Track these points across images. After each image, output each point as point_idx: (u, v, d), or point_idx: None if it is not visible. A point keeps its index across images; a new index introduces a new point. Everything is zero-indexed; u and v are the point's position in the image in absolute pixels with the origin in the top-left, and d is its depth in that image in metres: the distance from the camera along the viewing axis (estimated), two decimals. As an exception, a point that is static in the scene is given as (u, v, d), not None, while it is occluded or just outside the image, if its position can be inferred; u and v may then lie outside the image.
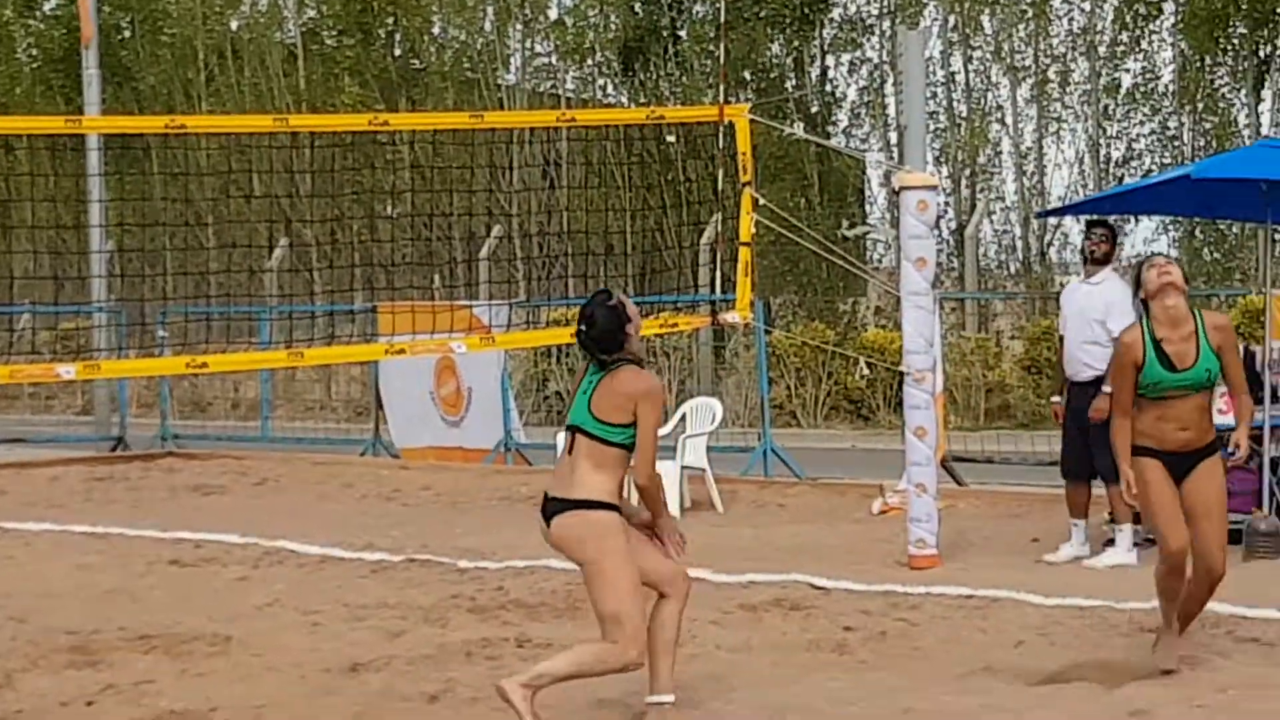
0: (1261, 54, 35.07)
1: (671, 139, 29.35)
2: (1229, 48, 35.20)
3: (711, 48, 38.76)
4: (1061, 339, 15.81)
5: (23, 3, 51.29)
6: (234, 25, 46.39)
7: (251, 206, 38.64)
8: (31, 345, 33.90)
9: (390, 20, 44.21)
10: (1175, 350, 10.29)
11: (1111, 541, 15.46)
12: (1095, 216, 16.54)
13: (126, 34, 45.97)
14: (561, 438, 19.62)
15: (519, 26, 43.89)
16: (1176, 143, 36.07)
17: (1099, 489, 15.64)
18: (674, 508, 18.91)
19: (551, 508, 9.27)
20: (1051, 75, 37.85)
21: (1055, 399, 16.10)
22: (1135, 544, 15.33)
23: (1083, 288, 15.63)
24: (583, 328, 9.40)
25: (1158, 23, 36.78)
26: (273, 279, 36.33)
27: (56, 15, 49.70)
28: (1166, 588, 10.68)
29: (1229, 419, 15.37)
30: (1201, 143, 35.28)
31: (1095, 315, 15.26)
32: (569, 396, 9.47)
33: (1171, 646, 10.64)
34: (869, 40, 39.82)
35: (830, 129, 39.04)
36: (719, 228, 23.31)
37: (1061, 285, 35.23)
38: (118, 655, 11.54)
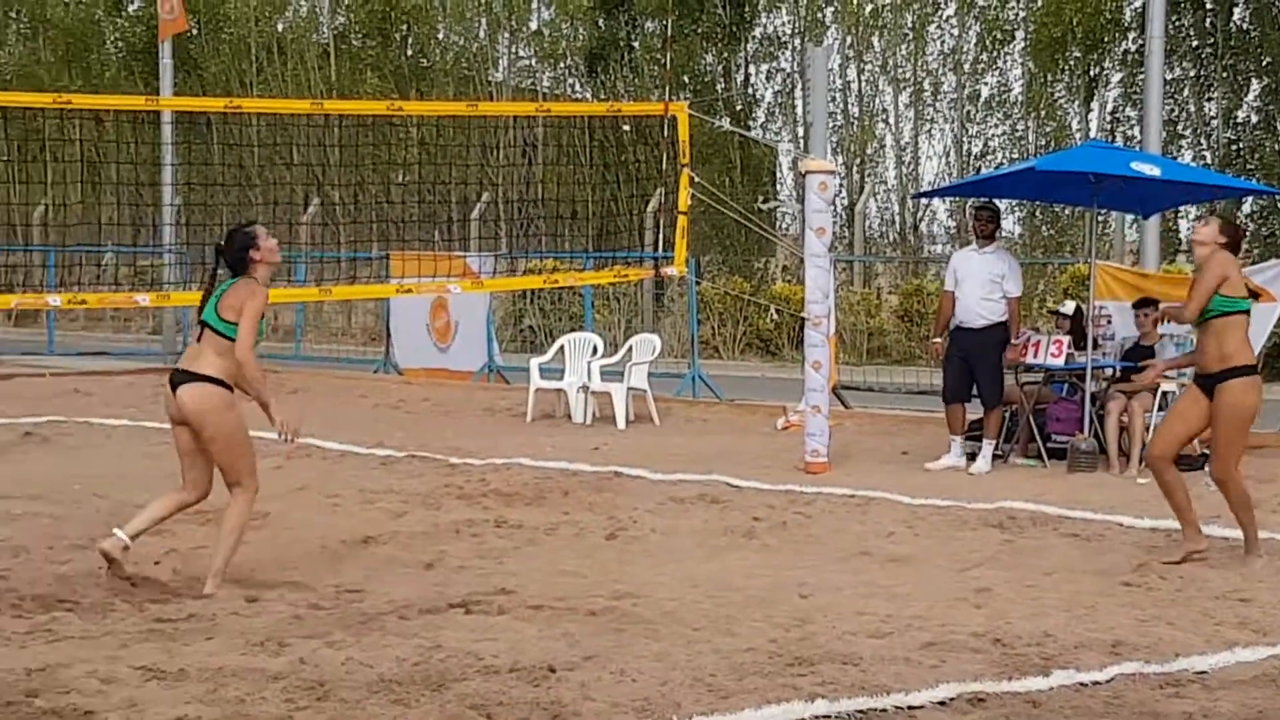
0: (1091, 73, 35.07)
1: (627, 128, 29.31)
2: (1066, 68, 35.18)
3: (659, 56, 38.69)
4: (950, 294, 15.65)
5: (111, 4, 50.91)
6: (280, 27, 46.09)
7: (291, 172, 38.42)
8: (115, 278, 33.76)
9: (404, 27, 44.00)
10: None
11: (974, 455, 15.52)
12: (983, 200, 16.49)
13: (194, 32, 45.61)
14: (535, 364, 19.66)
15: (506, 35, 43.76)
16: (1023, 142, 36.04)
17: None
18: (620, 421, 18.94)
19: (179, 378, 9.40)
20: (926, 86, 37.82)
21: (936, 340, 16.07)
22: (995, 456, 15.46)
23: (976, 256, 15.58)
24: (221, 244, 9.58)
25: (1010, 46, 36.73)
26: (306, 230, 36.20)
27: (138, 15, 49.33)
28: (1161, 487, 10.65)
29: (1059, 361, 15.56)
30: (1042, 142, 35.27)
31: (993, 277, 15.32)
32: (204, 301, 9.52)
33: (1188, 540, 10.51)
34: (783, 54, 39.75)
35: (750, 123, 39.00)
36: (662, 199, 23.34)
37: (930, 252, 35.39)
38: (179, 526, 11.45)
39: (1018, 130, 36.41)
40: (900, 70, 38.07)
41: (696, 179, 16.22)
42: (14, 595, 9.05)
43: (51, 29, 50.19)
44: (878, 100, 38.72)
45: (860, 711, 6.98)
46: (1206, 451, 14.77)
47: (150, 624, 8.44)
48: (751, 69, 40.21)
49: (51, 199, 42.54)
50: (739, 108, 39.24)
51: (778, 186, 39.68)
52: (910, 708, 7.06)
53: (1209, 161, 32.48)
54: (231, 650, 7.82)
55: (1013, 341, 15.41)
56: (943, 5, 37.45)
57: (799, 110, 38.68)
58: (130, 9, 50.41)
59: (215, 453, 9.39)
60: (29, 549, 10.51)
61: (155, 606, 8.86)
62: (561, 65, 42.75)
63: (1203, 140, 33.42)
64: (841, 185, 36.32)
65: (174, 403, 9.41)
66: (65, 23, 49.91)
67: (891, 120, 38.54)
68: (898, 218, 38.50)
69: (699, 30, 38.64)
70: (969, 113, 37.00)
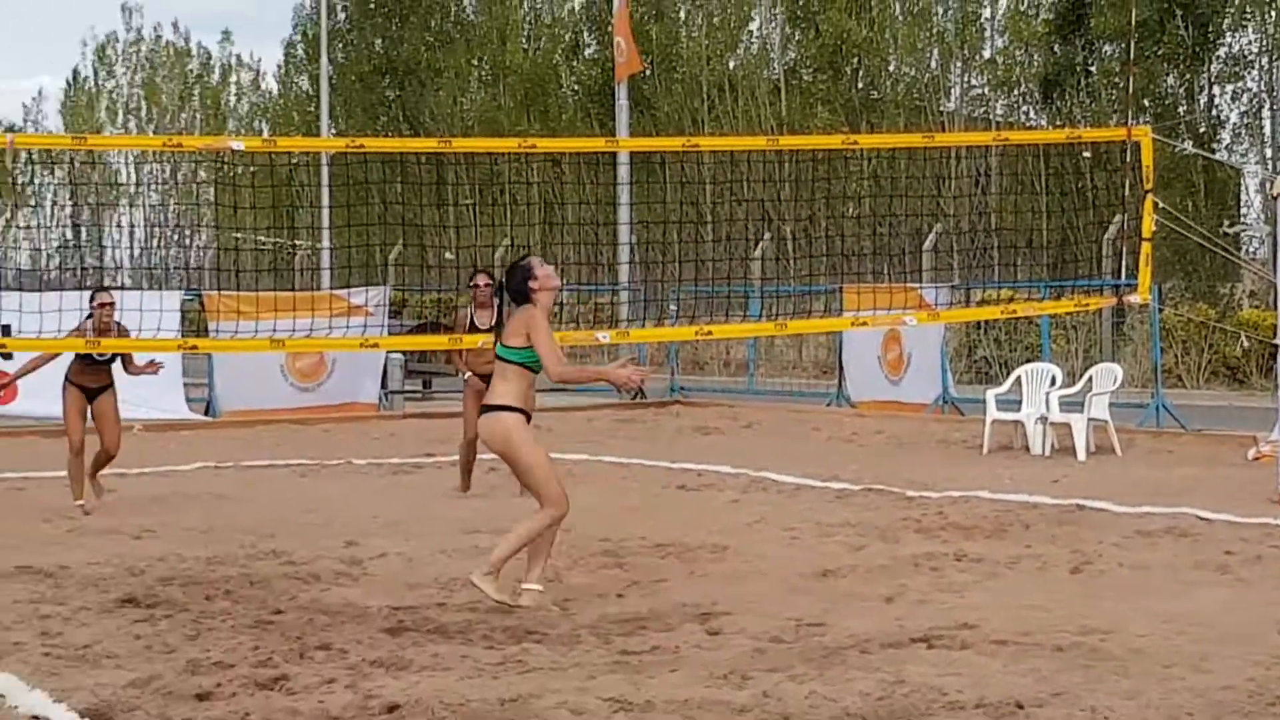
0: None
1: (1086, 155, 28.83)
2: None
3: (1117, 80, 38.03)
4: None
5: (569, 49, 52.47)
6: (731, 65, 46.77)
7: (742, 208, 38.90)
8: (572, 316, 34.61)
9: (855, 60, 44.19)
10: None
11: None
12: None
13: (647, 72, 46.64)
14: (991, 395, 19.45)
15: (959, 64, 43.58)
16: None
17: None
18: (1081, 452, 18.57)
19: (482, 412, 10.01)
20: (1406, 99, 36.39)
21: None
22: None
23: None
24: (504, 280, 10.25)
25: None
26: (758, 265, 36.54)
27: (594, 58, 50.71)
28: None
29: None
30: None
31: None
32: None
33: None
34: (1249, 73, 38.64)
35: (1215, 145, 38.00)
36: (1122, 225, 22.89)
37: None
38: (639, 559, 11.70)
39: None
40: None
41: (1160, 204, 15.81)
42: (485, 627, 9.31)
43: (510, 75, 51.96)
44: (1353, 115, 37.38)
45: (1349, 756, 6.69)
46: None
47: (616, 656, 8.59)
48: (1215, 89, 39.20)
49: (511, 239, 43.93)
50: (1202, 130, 38.28)
51: (1243, 209, 38.56)
52: (1405, 753, 6.72)
53: None
54: (696, 682, 7.89)
55: None
56: None
57: (1267, 130, 37.54)
58: (586, 53, 51.89)
59: (518, 475, 10.09)
60: (497, 580, 10.82)
61: (620, 639, 9.02)
62: (1015, 92, 42.37)
63: None
64: (1313, 206, 35.05)
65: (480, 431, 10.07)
66: (524, 69, 51.61)
67: (1368, 136, 37.14)
68: (1375, 239, 37.03)
69: (1160, 52, 37.87)
70: None
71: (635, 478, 17.26)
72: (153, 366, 15.12)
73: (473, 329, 15.61)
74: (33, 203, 63.36)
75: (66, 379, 14.78)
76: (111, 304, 14.86)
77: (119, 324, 15.06)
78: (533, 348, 9.78)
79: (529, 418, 9.90)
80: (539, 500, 9.92)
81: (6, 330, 21.59)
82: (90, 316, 14.82)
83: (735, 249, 36.03)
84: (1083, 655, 8.44)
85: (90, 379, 14.73)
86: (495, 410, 9.86)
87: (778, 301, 29.11)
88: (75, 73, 69.54)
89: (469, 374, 15.84)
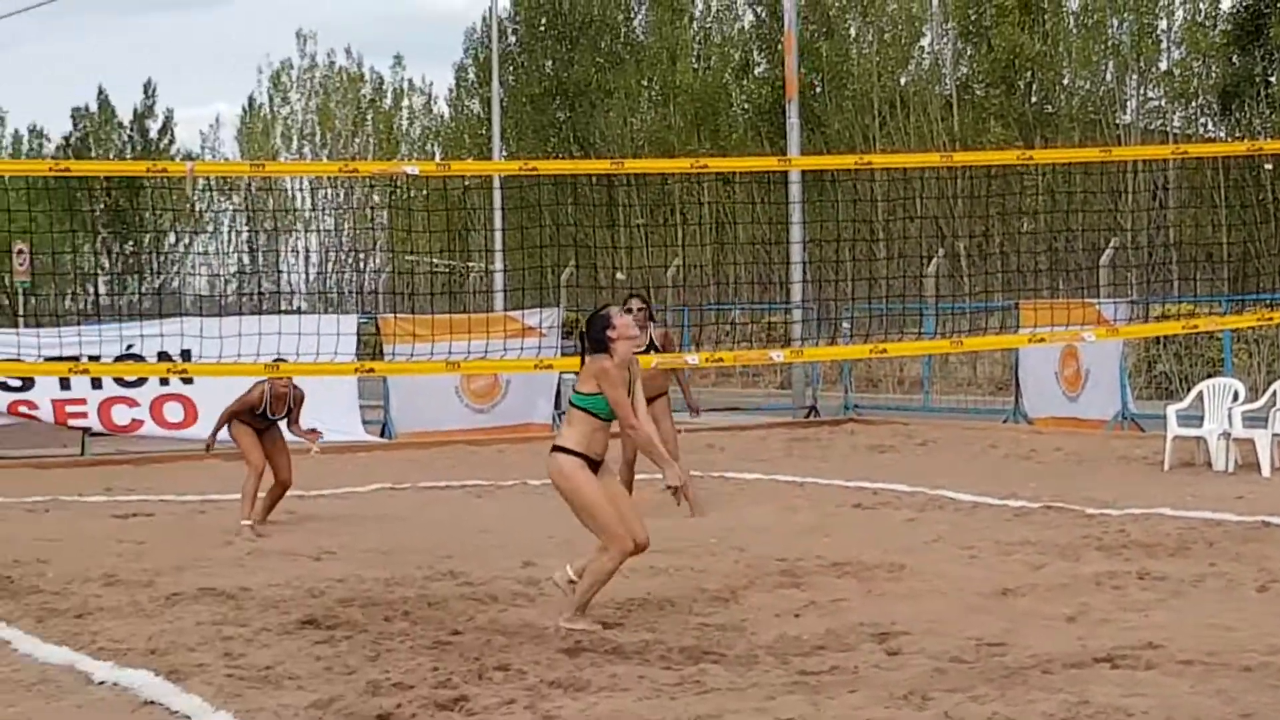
0: None
1: (1268, 167, 28.37)
2: None
3: (1298, 90, 37.45)
4: None
5: (738, 68, 52.55)
6: (902, 81, 46.57)
7: (915, 225, 38.70)
8: (745, 335, 34.65)
9: (1028, 74, 43.82)
10: None
11: None
12: None
13: (818, 90, 46.60)
14: (1172, 411, 19.20)
15: (1134, 77, 43.06)
16: None
17: None
18: (1265, 469, 18.23)
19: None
20: None
21: None
22: None
23: None
24: (584, 330, 10.35)
25: None
26: (932, 282, 36.35)
27: (764, 77, 50.74)
28: None
29: None
30: None
31: None
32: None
33: None
34: None
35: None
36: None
37: None
38: (816, 578, 11.64)
39: None
40: None
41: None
42: (662, 647, 9.33)
43: (681, 95, 52.12)
44: None
45: None
46: None
47: (794, 676, 8.56)
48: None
49: (683, 259, 44.05)
50: (1388, 138, 37.54)
51: None
52: None
53: None
54: (875, 703, 7.84)
55: None
56: None
57: None
58: (756, 72, 51.97)
59: (578, 517, 10.08)
60: (673, 602, 10.83)
61: (799, 659, 8.99)
62: (1193, 104, 41.80)
63: None
64: None
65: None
66: (694, 88, 51.75)
67: None
68: None
69: (1340, 60, 37.25)
70: None
71: (810, 496, 17.21)
72: (314, 435, 15.47)
73: None
74: (210, 229, 64.55)
75: (235, 419, 15.14)
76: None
77: (294, 385, 15.33)
78: (602, 395, 9.88)
79: (595, 464, 9.96)
80: (602, 540, 9.99)
81: (187, 355, 22.02)
82: (264, 380, 15.11)
83: (908, 266, 35.87)
84: (1271, 675, 8.29)
85: (259, 423, 15.13)
86: (554, 451, 10.02)
87: (952, 318, 28.90)
88: (251, 99, 70.60)
89: None
